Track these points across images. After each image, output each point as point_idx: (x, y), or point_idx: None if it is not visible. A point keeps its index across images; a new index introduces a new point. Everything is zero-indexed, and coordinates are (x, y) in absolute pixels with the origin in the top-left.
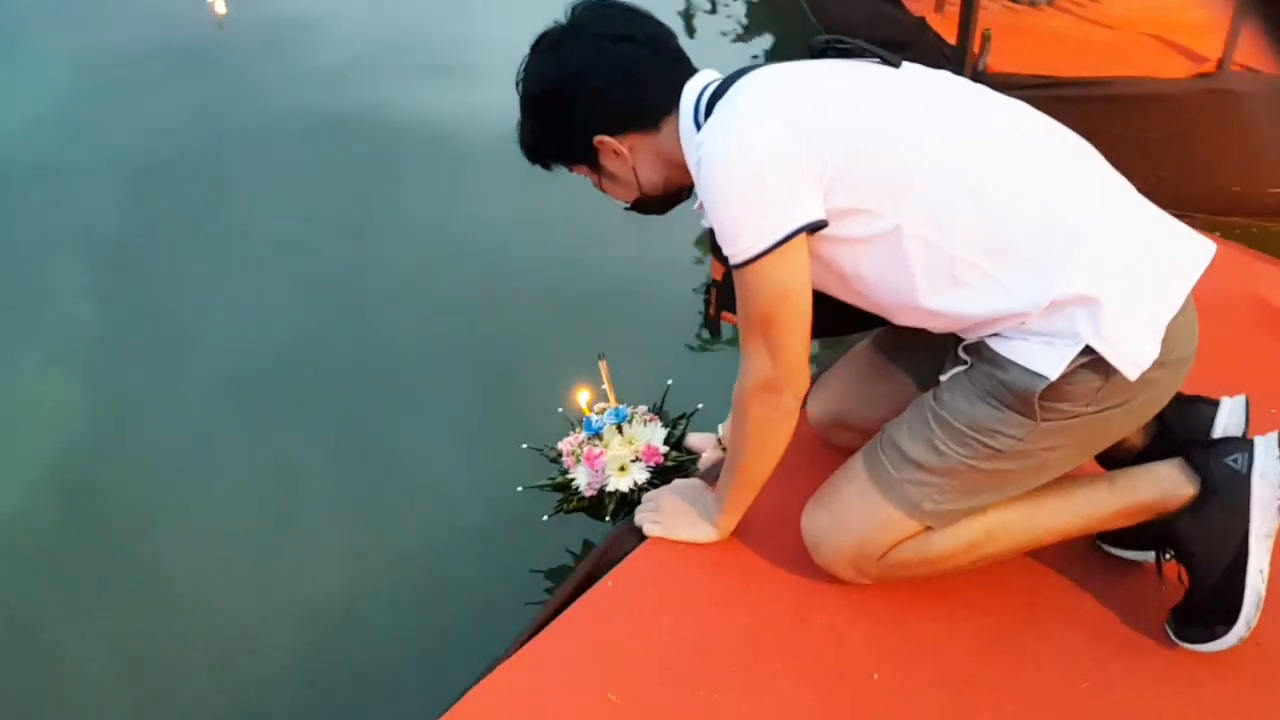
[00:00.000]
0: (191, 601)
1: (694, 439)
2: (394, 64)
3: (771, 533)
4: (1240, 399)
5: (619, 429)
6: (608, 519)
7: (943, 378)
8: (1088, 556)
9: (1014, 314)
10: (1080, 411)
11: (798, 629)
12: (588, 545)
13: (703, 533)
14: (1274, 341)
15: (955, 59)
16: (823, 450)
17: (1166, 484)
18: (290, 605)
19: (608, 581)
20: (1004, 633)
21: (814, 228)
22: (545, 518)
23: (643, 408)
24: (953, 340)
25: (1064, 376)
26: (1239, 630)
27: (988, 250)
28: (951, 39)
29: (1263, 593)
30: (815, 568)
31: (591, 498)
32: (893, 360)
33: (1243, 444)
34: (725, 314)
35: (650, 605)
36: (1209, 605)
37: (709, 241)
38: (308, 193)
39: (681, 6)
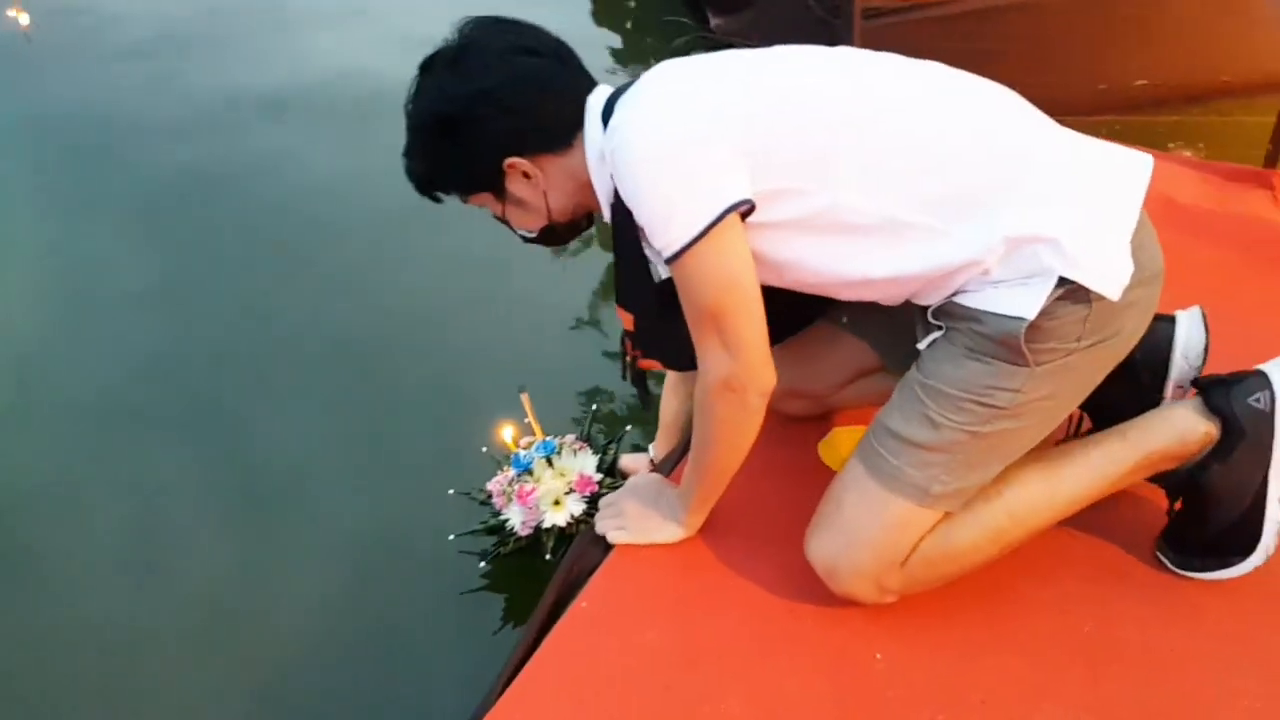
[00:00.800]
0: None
1: (627, 460)
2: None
3: (740, 520)
4: (1195, 310)
5: (549, 462)
6: (548, 557)
7: (920, 347)
8: None
9: (971, 263)
10: (1072, 348)
11: (788, 620)
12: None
13: (671, 533)
14: (1190, 240)
15: None
16: (781, 424)
17: (1182, 426)
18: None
19: (581, 603)
20: (1000, 586)
21: (744, 208)
22: (482, 565)
23: (570, 437)
24: (918, 309)
25: (1044, 313)
26: (1256, 559)
27: (928, 205)
28: None
29: None
30: (792, 553)
31: (528, 537)
32: (845, 328)
33: (1260, 380)
34: (645, 361)
35: (632, 622)
36: (1227, 538)
37: (615, 289)
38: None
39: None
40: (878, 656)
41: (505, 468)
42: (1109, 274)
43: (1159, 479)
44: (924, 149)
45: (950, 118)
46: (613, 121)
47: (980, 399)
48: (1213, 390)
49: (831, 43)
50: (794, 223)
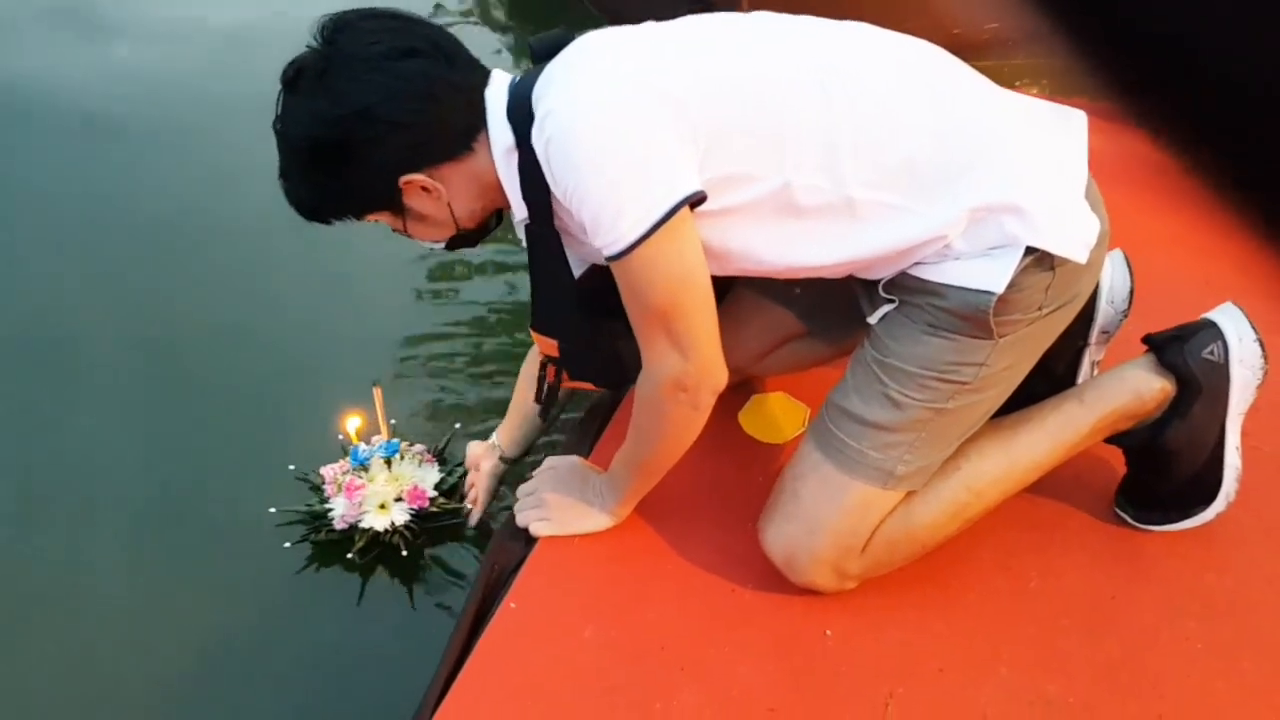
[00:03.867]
0: None
1: (474, 448)
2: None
3: (666, 501)
4: (1116, 253)
5: (388, 463)
6: (351, 556)
7: (871, 322)
8: None
9: (932, 238)
10: (1034, 317)
11: (731, 603)
12: None
13: (598, 522)
14: None
15: None
16: None
17: (1139, 384)
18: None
19: (510, 603)
20: (940, 548)
21: (695, 200)
22: (287, 545)
23: (420, 447)
24: (865, 283)
25: (1011, 284)
26: (1218, 505)
27: (886, 180)
28: None
29: (1239, 466)
30: (727, 532)
31: (342, 531)
32: (762, 294)
33: (1211, 332)
34: (574, 383)
35: (567, 620)
36: (1189, 490)
37: (532, 313)
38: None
39: None
40: (827, 633)
41: (346, 458)
42: (1075, 237)
43: (1116, 439)
44: (878, 122)
45: (901, 87)
46: (542, 109)
47: (944, 375)
48: (1166, 347)
49: (711, 9)
50: (743, 208)
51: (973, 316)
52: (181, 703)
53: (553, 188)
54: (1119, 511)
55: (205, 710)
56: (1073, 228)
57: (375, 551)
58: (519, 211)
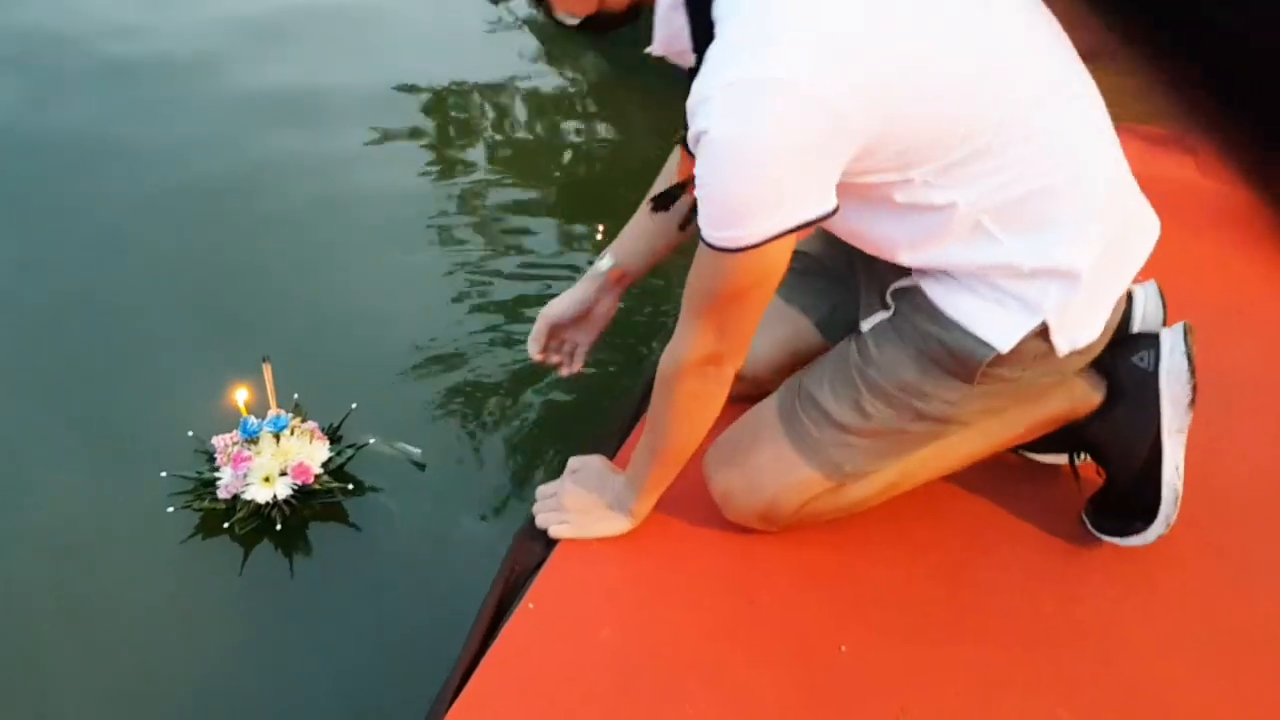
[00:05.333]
0: None
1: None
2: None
3: (686, 507)
4: (1151, 285)
5: (276, 438)
6: (227, 526)
7: (864, 325)
8: (1012, 468)
9: (992, 266)
10: (1018, 376)
11: (747, 611)
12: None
13: (618, 525)
14: None
15: None
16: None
17: (1075, 392)
18: None
19: (528, 604)
20: (957, 568)
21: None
22: (170, 510)
23: (313, 424)
24: (873, 278)
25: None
26: (1158, 528)
27: (998, 208)
28: None
29: (1179, 489)
30: (741, 537)
31: (226, 501)
32: (783, 300)
33: (1149, 340)
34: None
35: (584, 621)
36: (1128, 501)
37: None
38: None
39: None
40: (842, 649)
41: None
42: (1077, 338)
43: (1044, 439)
44: (1031, 160)
45: (1060, 126)
46: (713, 69)
47: (913, 401)
48: (1105, 351)
49: None
50: (854, 187)
51: (963, 359)
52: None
53: (690, 146)
54: (1083, 516)
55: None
56: (1087, 326)
57: (254, 524)
58: (659, 47)
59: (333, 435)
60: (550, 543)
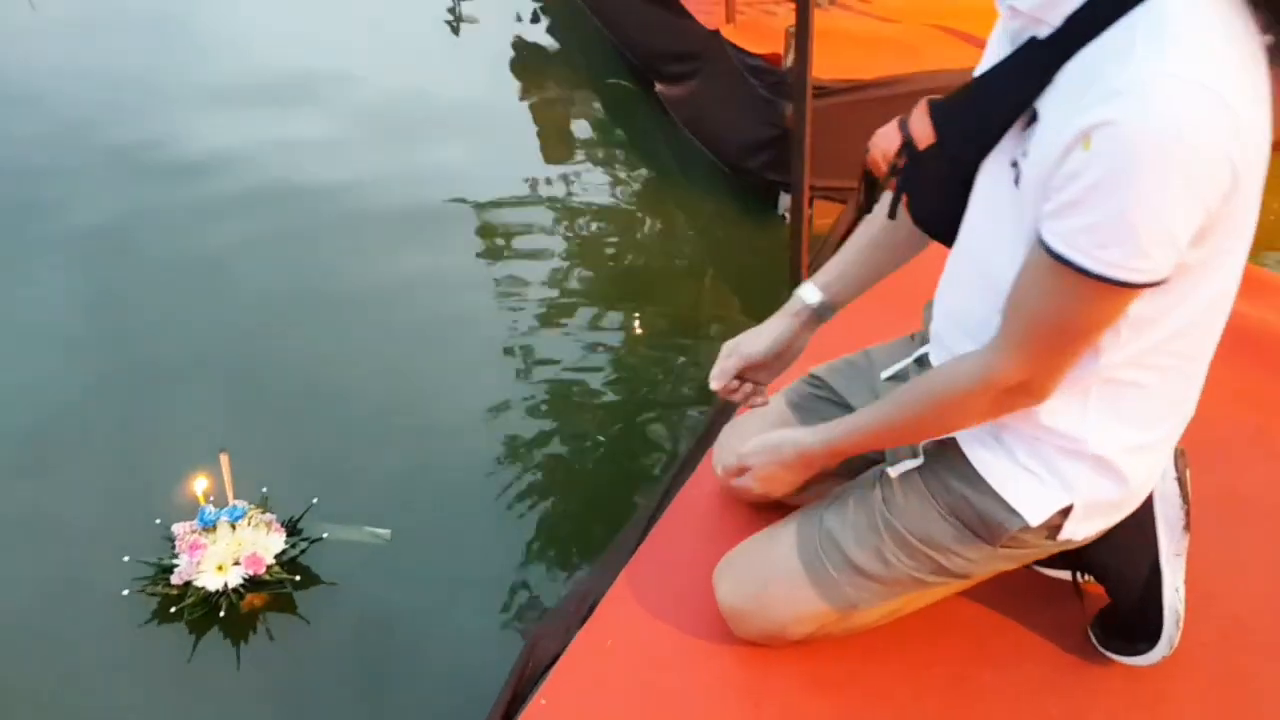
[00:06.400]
0: None
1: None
2: None
3: (698, 613)
4: None
5: (233, 527)
6: (174, 610)
7: (892, 473)
8: (1019, 579)
9: (1061, 437)
10: (1039, 544)
11: (753, 714)
12: None
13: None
14: None
15: (763, 67)
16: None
17: None
18: None
19: (540, 699)
20: (962, 678)
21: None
22: (125, 593)
23: (270, 516)
24: None
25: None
26: (1161, 649)
27: (1146, 377)
28: (751, 47)
29: (1181, 611)
30: (750, 645)
31: (179, 587)
32: (815, 413)
33: None
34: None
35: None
36: (1132, 622)
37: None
38: None
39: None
40: None
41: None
42: (1080, 531)
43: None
44: (1203, 339)
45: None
46: (1141, 63)
47: (934, 555)
48: None
49: (774, 122)
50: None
51: (990, 524)
52: None
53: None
54: (1090, 631)
55: None
56: (1104, 519)
57: (202, 611)
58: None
59: (291, 528)
60: (566, 640)
